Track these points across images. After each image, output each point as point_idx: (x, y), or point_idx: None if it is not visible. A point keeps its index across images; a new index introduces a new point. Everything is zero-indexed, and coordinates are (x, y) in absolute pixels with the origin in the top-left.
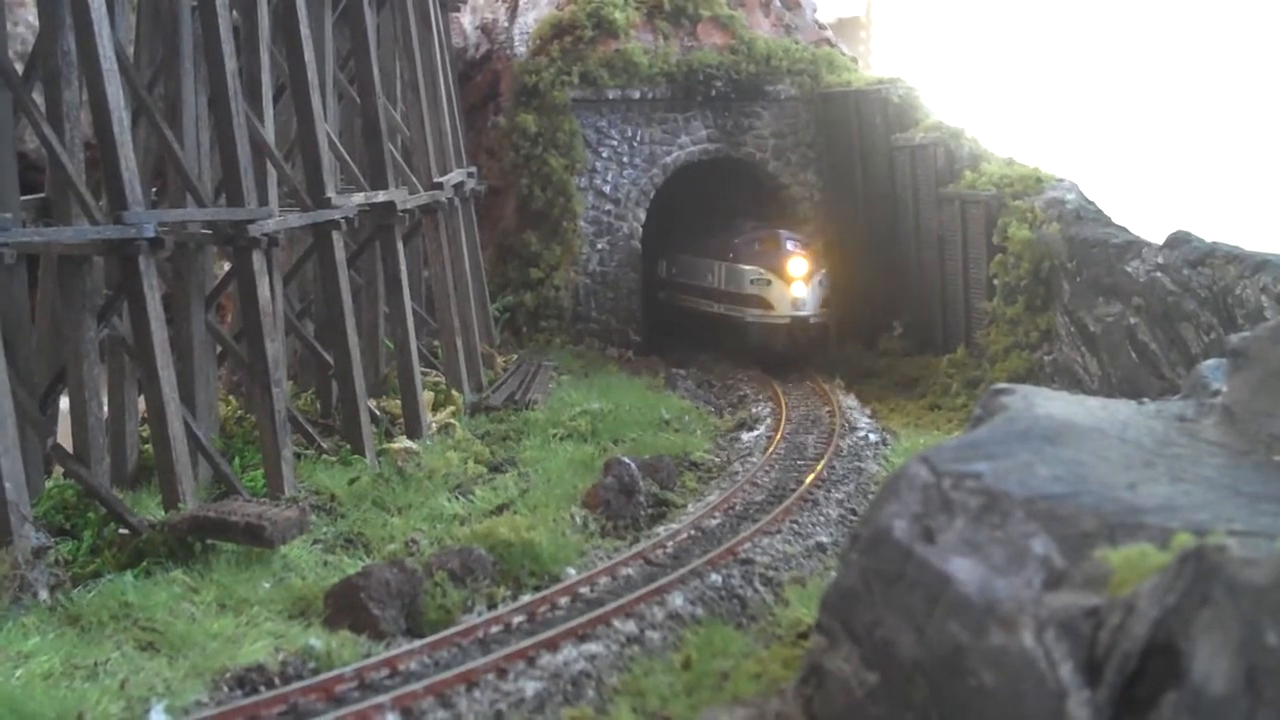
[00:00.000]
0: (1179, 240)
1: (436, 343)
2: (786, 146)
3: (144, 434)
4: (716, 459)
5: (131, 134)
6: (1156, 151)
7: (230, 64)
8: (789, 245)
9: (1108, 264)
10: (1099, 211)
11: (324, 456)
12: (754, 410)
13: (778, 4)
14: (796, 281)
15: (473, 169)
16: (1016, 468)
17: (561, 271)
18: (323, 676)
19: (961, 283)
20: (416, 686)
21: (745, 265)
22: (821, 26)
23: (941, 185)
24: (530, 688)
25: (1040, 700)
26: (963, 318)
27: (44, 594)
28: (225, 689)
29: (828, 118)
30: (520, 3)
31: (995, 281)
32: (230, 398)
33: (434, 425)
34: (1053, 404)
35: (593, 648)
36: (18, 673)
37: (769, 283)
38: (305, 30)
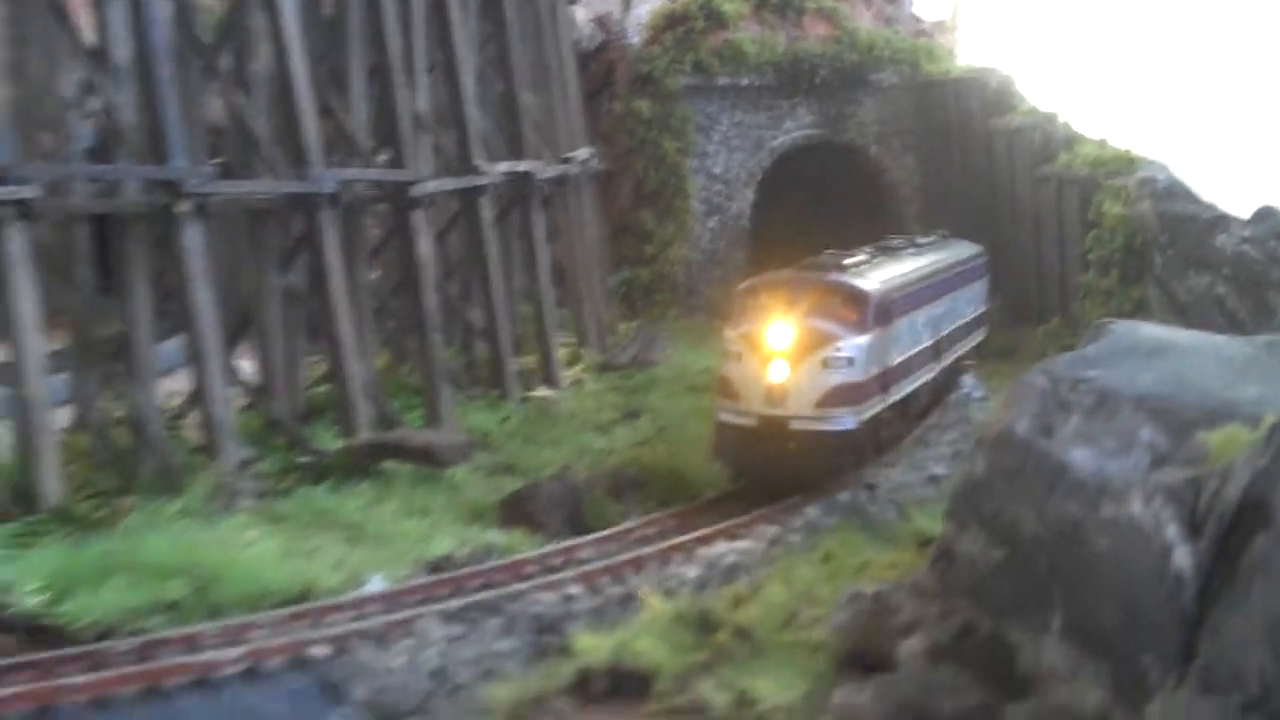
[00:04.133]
0: (1265, 215)
1: (563, 310)
2: (887, 132)
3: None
4: None
5: None
6: (1242, 130)
7: (394, 42)
8: (795, 294)
9: (1197, 238)
10: (1188, 189)
11: (474, 401)
12: None
13: None
14: (776, 360)
15: (593, 150)
16: (1124, 374)
17: (674, 248)
18: (511, 558)
19: (1057, 258)
20: (595, 566)
21: (729, 327)
22: (919, 19)
23: (1038, 166)
24: (691, 572)
25: (1148, 557)
26: (1058, 291)
27: (249, 500)
28: (424, 571)
29: (927, 104)
30: None
31: (1090, 256)
32: (382, 350)
33: (567, 379)
34: (1154, 330)
35: (743, 544)
36: (249, 552)
37: (739, 357)
38: (456, 14)
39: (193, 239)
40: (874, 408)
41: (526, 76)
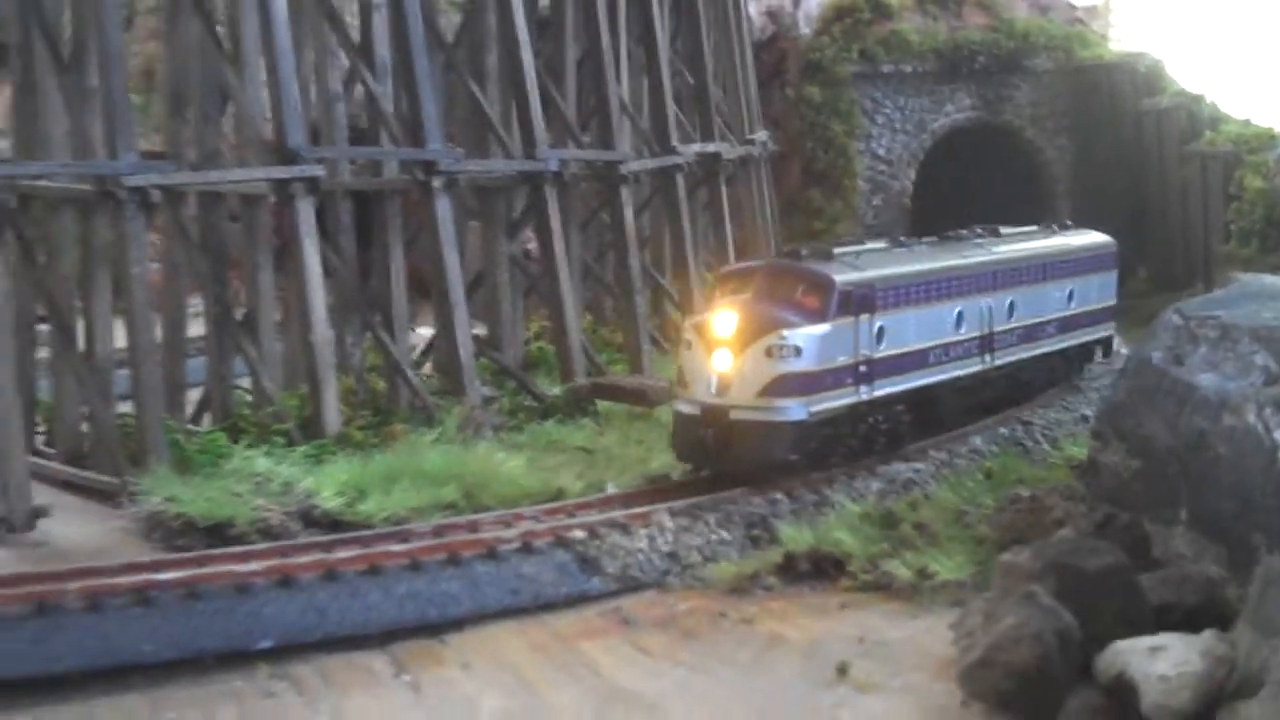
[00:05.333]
0: None
1: None
2: (1042, 115)
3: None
4: None
5: None
6: None
7: (605, 38)
8: (758, 282)
9: None
10: None
11: (668, 356)
12: None
13: None
14: (721, 349)
15: (768, 132)
16: (1246, 313)
17: (842, 224)
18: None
19: (1201, 229)
20: (793, 482)
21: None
22: (1073, 7)
23: (1184, 144)
24: (874, 485)
25: (1260, 456)
26: (1201, 259)
27: (489, 432)
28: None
29: (1080, 87)
30: None
31: (1231, 227)
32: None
33: None
34: (1275, 280)
35: (917, 465)
36: (504, 466)
37: (690, 346)
38: (656, 12)
39: (444, 210)
40: (837, 400)
41: (712, 66)
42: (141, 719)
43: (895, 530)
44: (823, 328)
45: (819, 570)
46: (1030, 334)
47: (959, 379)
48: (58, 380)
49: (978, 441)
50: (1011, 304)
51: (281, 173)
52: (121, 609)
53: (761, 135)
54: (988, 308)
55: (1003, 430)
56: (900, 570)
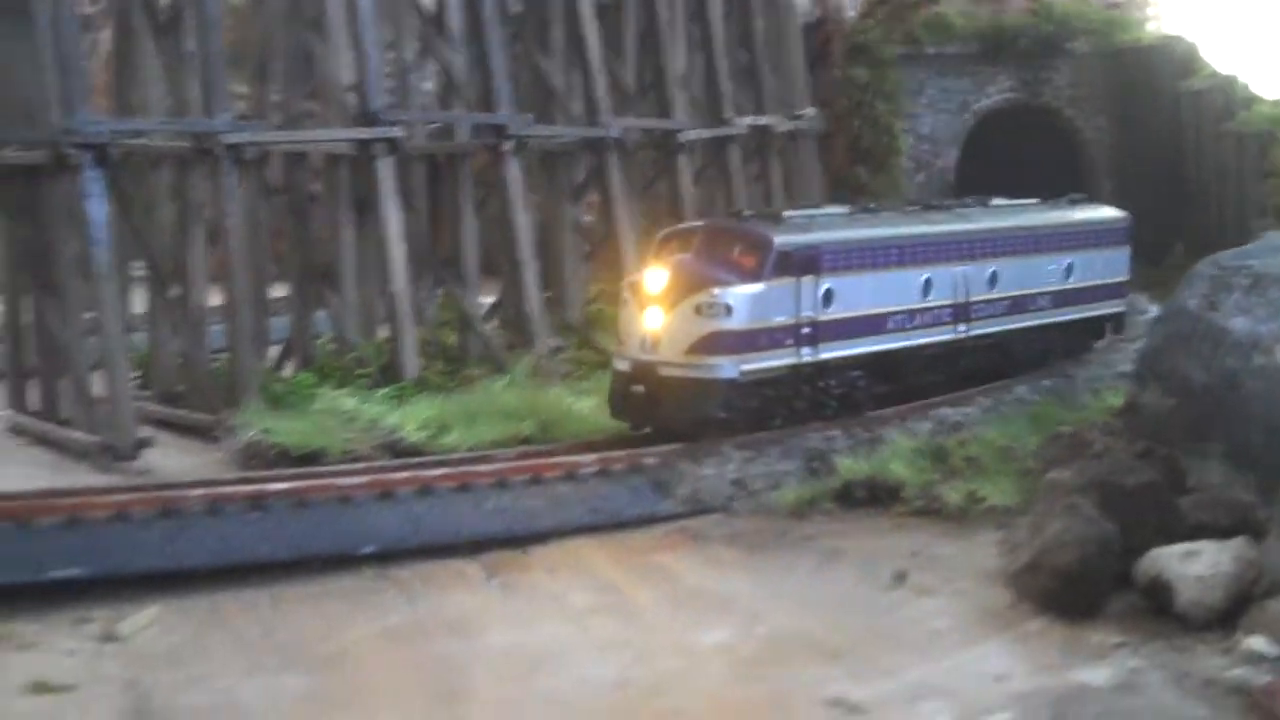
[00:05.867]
0: None
1: None
2: (1081, 96)
3: None
4: None
5: None
6: None
7: (664, 14)
8: (696, 242)
9: None
10: None
11: None
12: None
13: None
14: (652, 307)
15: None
16: (1277, 262)
17: (886, 200)
18: None
19: (1235, 205)
20: (850, 419)
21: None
22: None
23: (1219, 124)
24: (924, 427)
25: None
26: (1236, 236)
27: (557, 379)
28: None
29: (1118, 69)
30: None
31: (1267, 202)
32: None
33: None
34: None
35: (964, 409)
36: (575, 406)
37: (626, 304)
38: None
39: (514, 171)
40: (773, 360)
41: (762, 46)
42: (262, 610)
43: (946, 463)
44: (756, 287)
45: (874, 497)
46: (1017, 305)
47: (926, 347)
48: (153, 327)
49: (1022, 391)
50: (994, 274)
51: (364, 133)
52: (239, 514)
53: (810, 111)
54: (963, 276)
55: (1046, 382)
56: (951, 495)
